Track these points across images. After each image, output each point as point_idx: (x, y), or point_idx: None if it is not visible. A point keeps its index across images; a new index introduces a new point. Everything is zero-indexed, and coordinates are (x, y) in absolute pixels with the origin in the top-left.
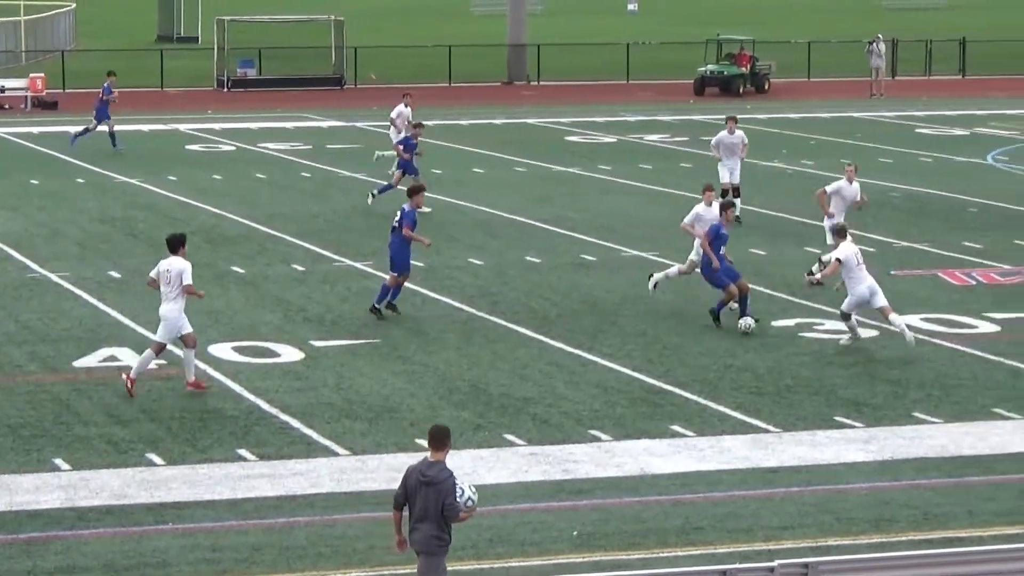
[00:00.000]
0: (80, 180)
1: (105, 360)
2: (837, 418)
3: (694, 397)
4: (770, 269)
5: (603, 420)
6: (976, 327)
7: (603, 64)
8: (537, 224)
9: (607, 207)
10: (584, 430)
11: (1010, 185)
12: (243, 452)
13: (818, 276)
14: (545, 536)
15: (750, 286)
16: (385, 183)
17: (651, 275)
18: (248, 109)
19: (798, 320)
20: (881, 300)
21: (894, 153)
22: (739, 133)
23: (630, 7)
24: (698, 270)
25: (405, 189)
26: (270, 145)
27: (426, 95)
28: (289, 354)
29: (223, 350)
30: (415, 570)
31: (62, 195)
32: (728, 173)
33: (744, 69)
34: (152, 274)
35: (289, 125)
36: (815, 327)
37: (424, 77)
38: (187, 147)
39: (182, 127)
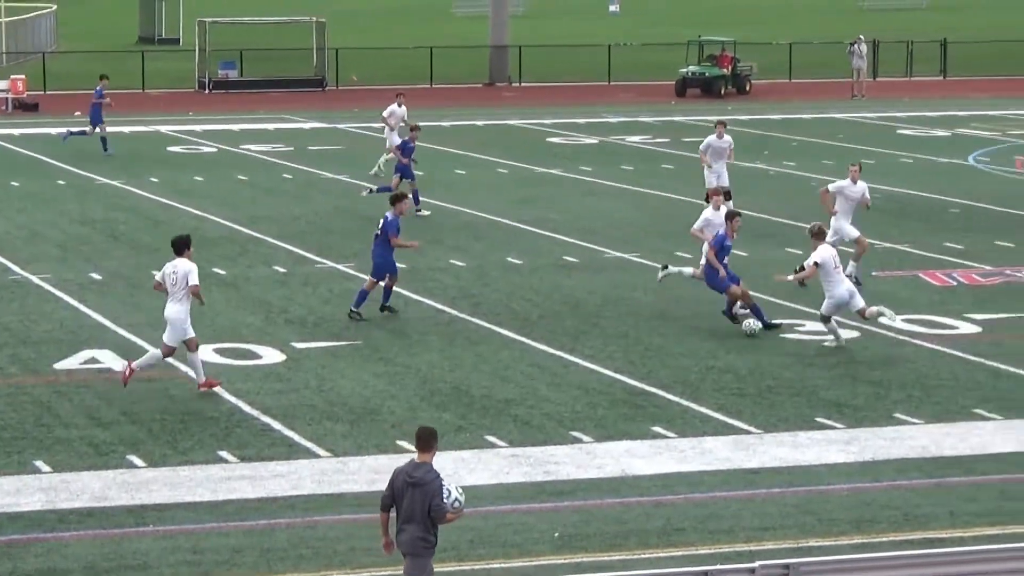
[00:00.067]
0: (61, 182)
1: (86, 362)
2: (818, 419)
3: (676, 398)
4: (752, 270)
5: (584, 421)
6: (957, 328)
7: (585, 65)
8: (519, 225)
9: (589, 208)
10: (565, 431)
11: (991, 186)
12: (224, 454)
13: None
14: (526, 537)
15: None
16: (386, 184)
17: (666, 265)
18: (230, 111)
19: (779, 321)
20: (860, 302)
21: (876, 154)
22: (727, 138)
23: (612, 8)
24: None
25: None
26: (252, 147)
27: (408, 96)
28: (270, 356)
29: (204, 352)
30: (399, 572)
31: (43, 197)
32: (715, 178)
33: (726, 70)
34: (158, 277)
35: (271, 127)
36: (796, 328)
37: (406, 78)
38: (168, 149)
39: (163, 129)
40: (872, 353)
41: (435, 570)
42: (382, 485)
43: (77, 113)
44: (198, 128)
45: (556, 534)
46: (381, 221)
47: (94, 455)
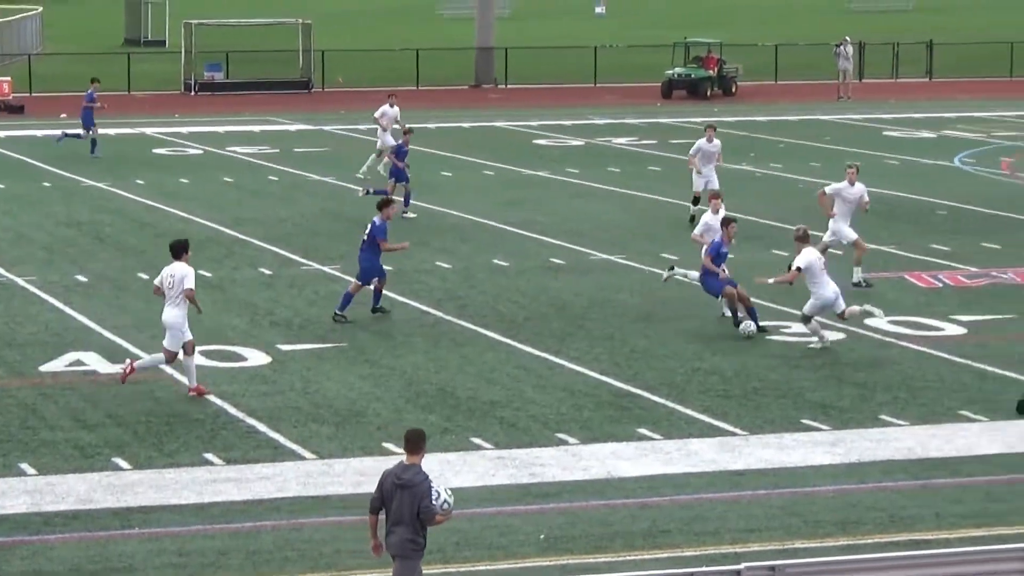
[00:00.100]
0: (47, 184)
1: (71, 364)
2: (804, 421)
3: (661, 400)
4: (738, 272)
5: (570, 423)
6: (943, 329)
7: (571, 67)
8: (505, 227)
9: (576, 210)
10: (551, 433)
11: (977, 187)
12: (210, 456)
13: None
14: (512, 540)
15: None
16: (382, 187)
17: (672, 267)
18: (215, 113)
19: (765, 323)
20: (843, 304)
21: (862, 155)
22: (716, 142)
23: (597, 10)
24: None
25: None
26: (238, 149)
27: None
28: (256, 358)
29: None
30: (387, 574)
31: (28, 199)
32: (704, 182)
33: (711, 72)
34: (156, 282)
35: (256, 128)
36: (782, 330)
37: (392, 80)
38: (154, 151)
39: (149, 131)
40: (858, 355)
41: (423, 572)
42: (368, 487)
43: (63, 115)
44: (184, 130)
45: (542, 536)
46: (368, 226)
47: (79, 457)
